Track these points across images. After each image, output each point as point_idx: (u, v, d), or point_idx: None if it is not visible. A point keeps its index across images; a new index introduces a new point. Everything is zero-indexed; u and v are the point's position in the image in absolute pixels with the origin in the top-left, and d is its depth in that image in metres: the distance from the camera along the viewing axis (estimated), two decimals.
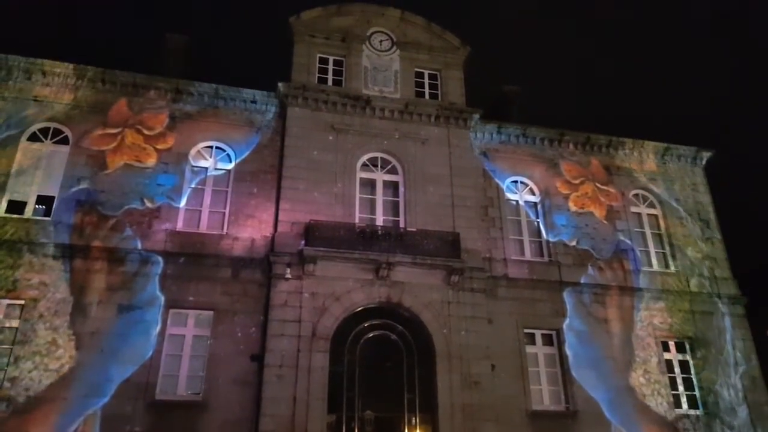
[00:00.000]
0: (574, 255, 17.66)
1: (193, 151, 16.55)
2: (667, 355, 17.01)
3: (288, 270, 14.83)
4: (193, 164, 16.47)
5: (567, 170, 19.02)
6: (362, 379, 14.65)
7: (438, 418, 14.28)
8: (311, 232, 15.13)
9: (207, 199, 16.14)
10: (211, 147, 16.80)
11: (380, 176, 17.27)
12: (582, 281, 17.18)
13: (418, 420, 14.54)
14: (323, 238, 15.04)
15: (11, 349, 13.25)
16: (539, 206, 18.41)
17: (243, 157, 16.67)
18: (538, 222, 18.21)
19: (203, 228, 15.73)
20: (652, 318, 17.19)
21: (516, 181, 18.69)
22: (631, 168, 19.72)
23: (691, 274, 18.28)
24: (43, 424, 12.64)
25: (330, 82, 18.16)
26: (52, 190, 15.21)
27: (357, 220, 16.13)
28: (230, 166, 16.64)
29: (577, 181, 18.93)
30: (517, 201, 18.42)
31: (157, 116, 16.58)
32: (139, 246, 14.77)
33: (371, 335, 15.26)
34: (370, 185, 17.15)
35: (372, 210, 16.77)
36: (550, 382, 15.97)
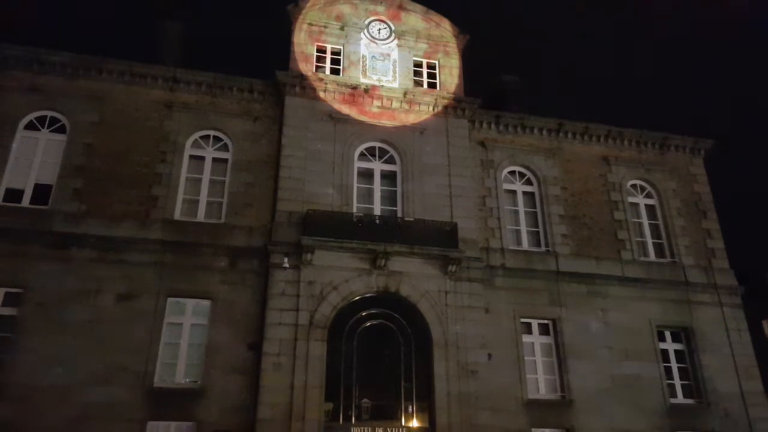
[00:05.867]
0: (571, 245, 17.70)
1: (190, 140, 16.53)
2: (663, 345, 17.10)
3: (286, 259, 14.87)
4: (191, 153, 16.45)
5: (565, 160, 19.02)
6: (359, 367, 14.73)
7: (435, 406, 14.38)
8: (309, 222, 15.15)
9: (205, 189, 16.15)
10: (208, 136, 16.79)
11: (378, 166, 17.27)
12: (579, 271, 17.21)
13: (414, 408, 14.64)
14: (321, 228, 15.06)
15: (10, 337, 13.29)
16: (537, 196, 18.42)
17: (241, 146, 16.65)
18: (535, 212, 18.23)
19: (201, 217, 15.75)
20: (648, 308, 17.24)
21: (514, 171, 18.69)
22: (630, 158, 19.69)
23: (688, 265, 18.31)
24: (42, 412, 12.71)
25: (328, 71, 18.09)
26: (50, 179, 15.22)
27: (355, 210, 16.15)
28: (228, 155, 16.63)
29: (575, 171, 18.94)
30: (514, 191, 18.44)
31: (154, 105, 16.54)
32: (137, 235, 14.79)
33: (369, 324, 15.32)
34: (367, 175, 17.15)
35: (370, 200, 16.79)
36: (546, 371, 16.06)
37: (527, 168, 18.71)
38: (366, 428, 14.23)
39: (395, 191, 17.02)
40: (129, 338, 13.72)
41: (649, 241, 18.79)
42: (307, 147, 16.61)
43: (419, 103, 17.92)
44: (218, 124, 16.80)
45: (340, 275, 15.11)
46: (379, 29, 19.05)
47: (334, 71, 18.13)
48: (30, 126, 15.78)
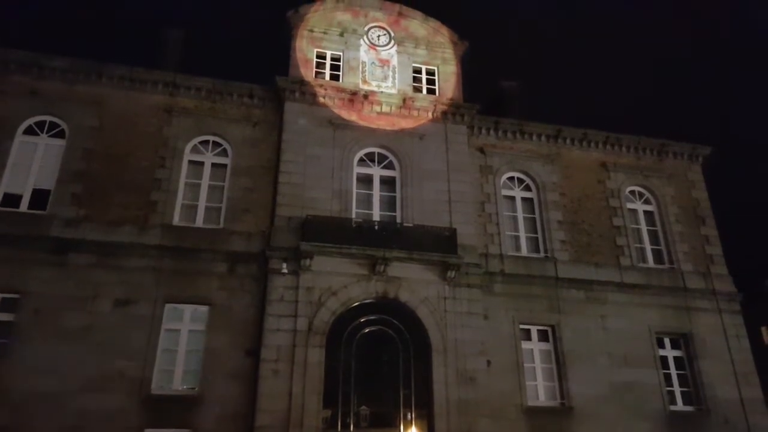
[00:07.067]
0: (570, 251, 17.69)
1: (189, 145, 16.51)
2: (662, 352, 17.06)
3: (284, 265, 14.82)
4: (190, 158, 16.44)
5: (564, 166, 19.05)
6: (358, 374, 14.66)
7: (433, 413, 14.30)
8: (308, 227, 15.10)
9: (203, 194, 16.11)
10: (207, 141, 16.77)
11: (377, 171, 17.26)
12: (578, 277, 17.20)
13: (413, 415, 14.57)
14: (320, 233, 15.02)
15: (6, 343, 13.20)
16: (535, 202, 18.43)
17: (240, 151, 16.63)
18: (534, 218, 18.22)
19: (199, 222, 15.71)
20: (647, 314, 17.22)
21: (513, 177, 18.70)
22: (628, 164, 19.72)
23: (687, 271, 18.30)
24: (38, 419, 12.62)
25: (328, 77, 18.11)
26: (48, 184, 15.17)
27: (354, 215, 16.14)
28: (227, 160, 16.61)
29: (573, 177, 18.96)
30: (513, 197, 18.44)
31: (154, 110, 16.53)
32: (136, 240, 14.74)
33: (367, 330, 15.26)
34: (367, 180, 17.14)
35: (369, 205, 16.76)
36: (545, 378, 16.00)
37: (526, 174, 18.73)
38: None
39: (394, 197, 17.00)
40: (126, 344, 13.64)
41: (648, 247, 18.79)
42: (306, 152, 16.59)
43: (418, 109, 17.95)
44: (218, 130, 16.78)
45: (338, 281, 15.07)
46: (379, 35, 19.11)
47: (334, 77, 18.15)
48: (29, 131, 15.74)
